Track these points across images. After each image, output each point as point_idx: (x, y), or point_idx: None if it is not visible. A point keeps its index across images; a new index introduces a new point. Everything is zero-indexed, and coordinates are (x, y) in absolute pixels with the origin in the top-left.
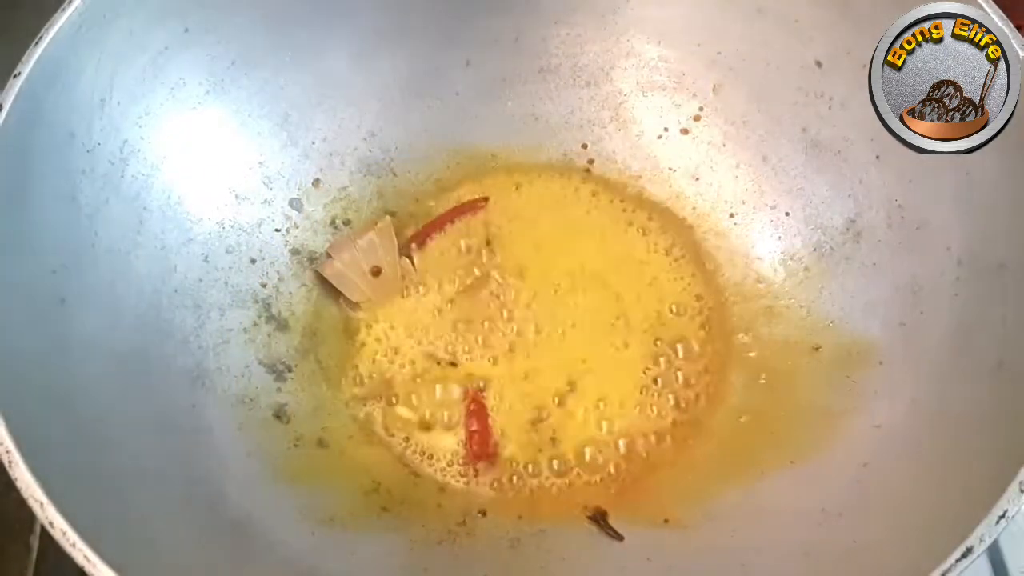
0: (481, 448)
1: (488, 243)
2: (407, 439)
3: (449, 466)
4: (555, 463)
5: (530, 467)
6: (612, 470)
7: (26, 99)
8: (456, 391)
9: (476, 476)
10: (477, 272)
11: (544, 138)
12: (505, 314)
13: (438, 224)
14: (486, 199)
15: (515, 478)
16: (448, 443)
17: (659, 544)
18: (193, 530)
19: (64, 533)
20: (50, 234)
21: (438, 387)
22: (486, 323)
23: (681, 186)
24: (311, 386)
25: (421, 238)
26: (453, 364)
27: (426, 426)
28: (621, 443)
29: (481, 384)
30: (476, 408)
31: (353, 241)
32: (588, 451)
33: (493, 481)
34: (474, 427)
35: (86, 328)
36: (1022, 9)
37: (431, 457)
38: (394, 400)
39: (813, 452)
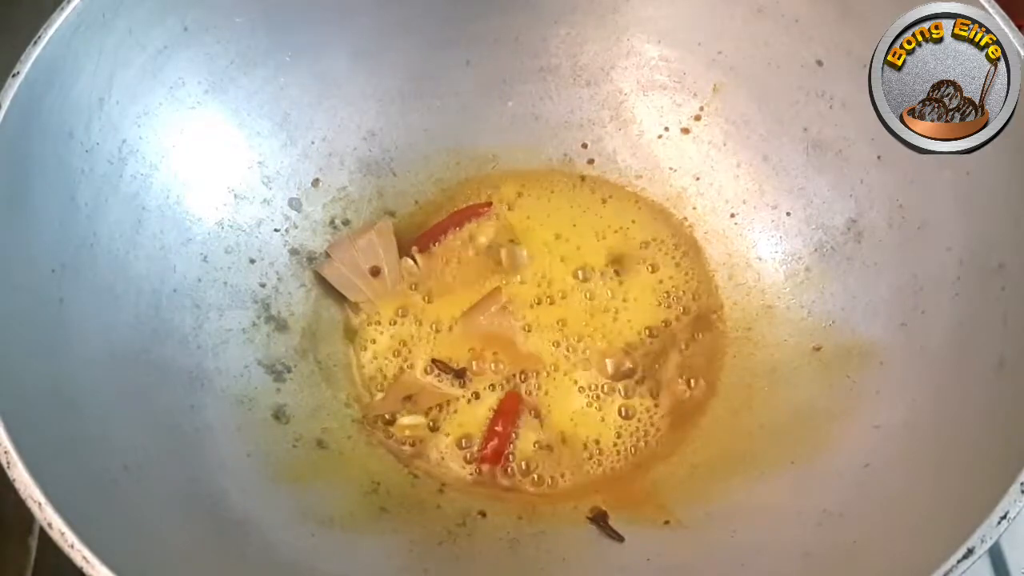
0: (495, 452)
1: (491, 246)
2: (411, 443)
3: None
4: (558, 460)
5: (535, 464)
6: (614, 468)
7: (25, 99)
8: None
9: (479, 474)
10: (483, 273)
11: (544, 138)
12: (512, 314)
13: (441, 229)
14: (489, 204)
15: (519, 475)
16: (452, 446)
17: (659, 544)
18: (192, 530)
19: (63, 534)
20: (49, 234)
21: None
22: (493, 323)
23: (682, 186)
24: (310, 387)
25: (424, 243)
26: (464, 368)
27: (433, 432)
28: (623, 440)
29: (521, 382)
30: (509, 407)
31: (353, 241)
32: (591, 449)
33: (494, 481)
34: (498, 427)
35: (85, 328)
36: (1022, 9)
37: (431, 458)
38: (407, 408)
39: (813, 452)
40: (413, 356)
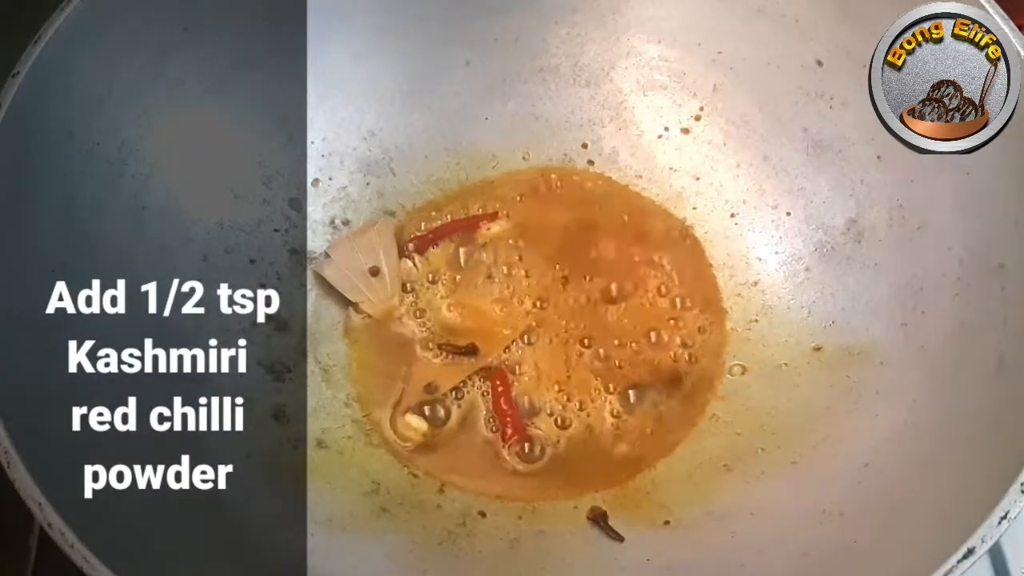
0: (516, 427)
1: (488, 243)
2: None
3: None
4: (559, 447)
5: (538, 450)
6: (611, 464)
7: (25, 99)
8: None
9: (507, 447)
10: (485, 269)
11: (544, 138)
12: (514, 308)
13: (443, 232)
14: (495, 215)
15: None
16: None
17: (659, 544)
18: (192, 530)
19: (63, 534)
20: (49, 234)
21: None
22: (494, 318)
23: (681, 186)
24: (310, 387)
25: (424, 244)
26: (472, 343)
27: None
28: (620, 434)
29: (502, 363)
30: (503, 389)
31: (352, 241)
32: (588, 441)
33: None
34: (506, 409)
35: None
36: (1022, 9)
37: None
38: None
39: (813, 452)
40: (421, 347)
